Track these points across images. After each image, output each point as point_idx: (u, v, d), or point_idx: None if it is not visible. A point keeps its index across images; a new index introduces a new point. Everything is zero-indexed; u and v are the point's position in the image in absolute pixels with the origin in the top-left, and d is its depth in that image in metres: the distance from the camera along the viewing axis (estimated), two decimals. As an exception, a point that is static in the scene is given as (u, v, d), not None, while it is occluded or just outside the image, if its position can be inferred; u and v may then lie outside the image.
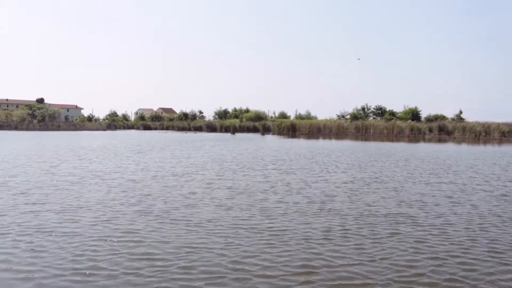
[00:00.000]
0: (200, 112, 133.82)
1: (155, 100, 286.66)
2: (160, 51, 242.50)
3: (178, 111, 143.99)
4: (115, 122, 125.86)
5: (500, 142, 53.64)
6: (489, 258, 7.43)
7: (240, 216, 10.26)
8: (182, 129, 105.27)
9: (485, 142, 53.45)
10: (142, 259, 7.16)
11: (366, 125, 73.64)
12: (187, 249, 7.67)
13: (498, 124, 63.41)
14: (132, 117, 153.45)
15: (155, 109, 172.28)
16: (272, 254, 7.47)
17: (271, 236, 8.61)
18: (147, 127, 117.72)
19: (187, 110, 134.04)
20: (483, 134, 62.78)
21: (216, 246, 7.91)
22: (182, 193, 13.32)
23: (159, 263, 6.99)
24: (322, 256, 7.41)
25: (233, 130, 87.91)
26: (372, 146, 41.96)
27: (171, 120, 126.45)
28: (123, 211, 10.64)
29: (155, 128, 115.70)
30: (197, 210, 10.87)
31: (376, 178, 17.51)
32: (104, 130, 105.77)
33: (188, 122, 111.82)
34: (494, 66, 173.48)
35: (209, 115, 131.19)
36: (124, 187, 14.35)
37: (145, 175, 17.32)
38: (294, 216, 10.30)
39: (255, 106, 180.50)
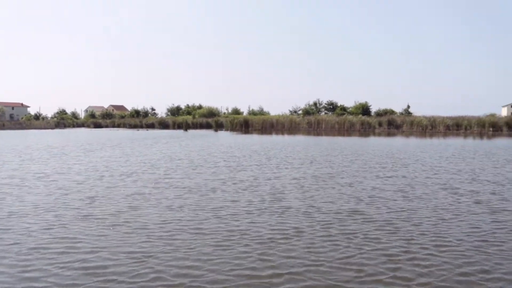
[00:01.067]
0: (152, 109, 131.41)
1: (106, 97, 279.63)
2: (110, 47, 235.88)
3: (129, 108, 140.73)
4: (64, 121, 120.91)
5: (445, 135, 55.66)
6: (436, 252, 7.36)
7: (186, 217, 9.80)
8: (134, 126, 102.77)
9: (431, 135, 55.28)
10: (77, 268, 6.58)
11: (318, 120, 74.58)
12: (128, 255, 7.15)
13: (443, 118, 65.96)
14: (82, 115, 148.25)
15: (105, 106, 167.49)
16: (219, 257, 7.08)
17: (219, 237, 8.22)
18: (97, 125, 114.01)
19: (139, 107, 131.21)
20: (429, 127, 65.07)
21: (159, 250, 7.44)
22: (128, 193, 12.67)
23: (97, 271, 6.44)
24: (273, 258, 7.09)
25: (186, 126, 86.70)
26: (324, 140, 42.34)
27: (122, 117, 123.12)
28: (63, 215, 9.92)
29: (106, 126, 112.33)
30: (142, 212, 10.31)
31: (328, 173, 17.45)
32: (52, 128, 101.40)
33: (140, 120, 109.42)
34: (440, 62, 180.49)
35: (161, 112, 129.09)
36: (66, 189, 13.48)
37: (89, 176, 16.43)
38: (245, 216, 9.95)
39: (208, 102, 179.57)
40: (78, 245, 7.69)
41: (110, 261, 6.85)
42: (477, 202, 11.51)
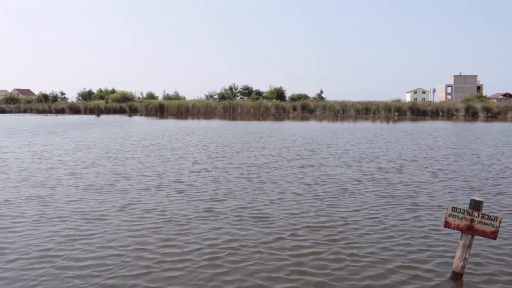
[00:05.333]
0: (62, 94, 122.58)
1: (10, 80, 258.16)
2: (13, 27, 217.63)
3: (36, 92, 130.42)
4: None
5: (355, 119, 57.71)
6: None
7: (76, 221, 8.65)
8: (42, 111, 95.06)
9: (343, 119, 57.07)
10: None
11: (233, 104, 74.09)
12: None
13: (354, 103, 68.43)
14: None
15: (9, 90, 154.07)
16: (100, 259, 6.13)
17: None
18: (0, 110, 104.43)
19: (47, 91, 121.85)
20: (341, 112, 67.19)
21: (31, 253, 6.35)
22: (20, 191, 11.15)
23: None
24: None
25: (98, 112, 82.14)
26: (240, 125, 41.92)
27: (29, 102, 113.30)
28: None
29: (11, 111, 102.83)
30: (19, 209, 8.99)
31: (243, 163, 16.92)
32: None
33: (48, 104, 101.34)
34: (350, 48, 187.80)
35: (72, 97, 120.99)
36: None
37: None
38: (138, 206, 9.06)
39: (121, 86, 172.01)
40: None
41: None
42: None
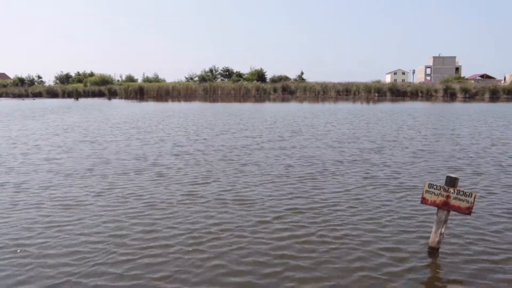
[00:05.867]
0: (39, 77, 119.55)
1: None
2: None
3: (12, 76, 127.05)
4: None
5: (336, 100, 57.89)
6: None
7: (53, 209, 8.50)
8: (19, 96, 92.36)
9: (323, 100, 57.19)
10: None
11: (214, 86, 73.51)
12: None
13: (334, 84, 68.60)
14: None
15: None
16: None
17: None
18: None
19: (23, 75, 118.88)
20: (321, 93, 67.31)
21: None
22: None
23: None
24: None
25: (77, 95, 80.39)
26: (220, 106, 41.69)
27: (4, 86, 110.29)
28: None
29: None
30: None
31: (222, 145, 16.84)
32: None
33: (25, 88, 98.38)
34: (331, 30, 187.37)
35: (49, 80, 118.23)
36: None
37: None
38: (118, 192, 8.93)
39: (100, 69, 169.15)
40: None
41: None
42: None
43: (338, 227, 6.70)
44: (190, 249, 5.87)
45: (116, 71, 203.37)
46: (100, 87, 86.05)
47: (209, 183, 9.54)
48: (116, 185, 9.35)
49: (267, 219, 7.08)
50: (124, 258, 5.60)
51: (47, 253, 5.78)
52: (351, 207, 7.73)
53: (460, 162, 11.94)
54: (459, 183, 5.79)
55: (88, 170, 10.94)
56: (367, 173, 10.57)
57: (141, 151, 13.82)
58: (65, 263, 5.46)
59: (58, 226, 6.78)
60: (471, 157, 12.69)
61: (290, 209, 7.62)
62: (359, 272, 5.23)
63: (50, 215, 7.31)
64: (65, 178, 10.08)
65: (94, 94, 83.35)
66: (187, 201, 8.11)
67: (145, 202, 8.05)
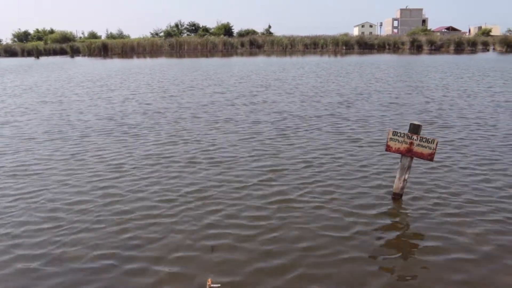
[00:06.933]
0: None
1: None
2: None
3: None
4: None
5: (304, 53, 57.62)
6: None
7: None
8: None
9: (291, 54, 56.85)
10: None
11: (180, 42, 71.76)
12: None
13: (302, 37, 68.04)
14: None
15: None
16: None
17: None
18: None
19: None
20: (289, 46, 66.76)
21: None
22: None
23: None
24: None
25: (37, 53, 77.05)
26: (187, 62, 40.91)
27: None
28: None
29: None
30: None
31: (186, 103, 16.63)
32: None
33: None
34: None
35: (6, 38, 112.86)
36: None
37: None
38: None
39: (60, 26, 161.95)
40: None
41: None
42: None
43: (308, 180, 6.83)
44: (163, 216, 5.55)
45: (78, 27, 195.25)
46: (61, 45, 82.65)
47: (178, 143, 9.30)
48: (80, 149, 8.99)
49: (237, 179, 6.95)
50: (84, 226, 5.30)
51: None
52: (321, 162, 7.72)
53: (430, 115, 12.10)
54: (423, 131, 5.92)
55: (47, 133, 10.46)
56: (336, 127, 10.66)
57: (106, 111, 13.47)
58: (23, 242, 4.99)
59: (13, 198, 6.29)
60: (438, 110, 12.92)
61: (260, 167, 7.56)
62: (325, 221, 5.40)
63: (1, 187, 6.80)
64: (24, 142, 9.62)
65: (55, 52, 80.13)
66: (156, 164, 7.78)
67: (109, 165, 7.68)
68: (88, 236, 5.03)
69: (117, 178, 7.00)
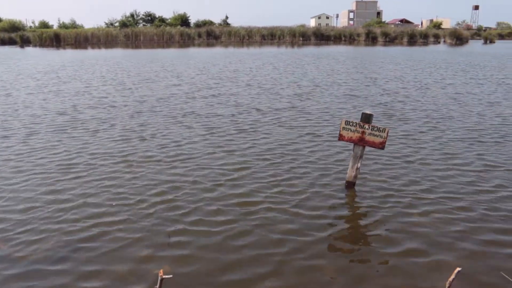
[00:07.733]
0: None
1: None
2: None
3: None
4: None
5: (261, 44, 57.74)
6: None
7: None
8: None
9: (248, 45, 56.82)
10: None
11: (136, 32, 70.18)
12: None
13: (259, 28, 68.18)
14: None
15: None
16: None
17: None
18: None
19: None
20: (246, 37, 66.70)
21: None
22: None
23: None
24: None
25: (-17, 43, 73.54)
26: (143, 53, 40.13)
27: None
28: None
29: None
30: None
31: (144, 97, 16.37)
32: None
33: None
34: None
35: None
36: None
37: None
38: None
39: (8, 14, 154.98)
40: None
41: None
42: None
43: (263, 174, 6.93)
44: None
45: (28, 16, 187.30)
46: (10, 34, 79.04)
47: (132, 138, 9.22)
48: (29, 145, 8.67)
49: (197, 173, 7.02)
50: (33, 226, 5.25)
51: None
52: (278, 155, 7.74)
53: (386, 106, 12.43)
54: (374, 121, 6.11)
55: None
56: (295, 119, 10.77)
57: (59, 105, 13.01)
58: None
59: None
60: (393, 101, 13.30)
61: (220, 165, 7.67)
62: (280, 215, 5.50)
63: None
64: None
65: (3, 42, 76.59)
66: (107, 162, 7.52)
67: (59, 165, 7.23)
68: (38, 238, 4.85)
69: (69, 179, 6.55)
